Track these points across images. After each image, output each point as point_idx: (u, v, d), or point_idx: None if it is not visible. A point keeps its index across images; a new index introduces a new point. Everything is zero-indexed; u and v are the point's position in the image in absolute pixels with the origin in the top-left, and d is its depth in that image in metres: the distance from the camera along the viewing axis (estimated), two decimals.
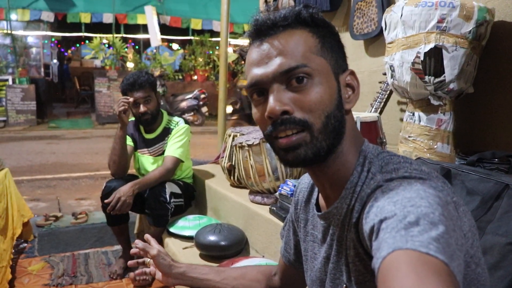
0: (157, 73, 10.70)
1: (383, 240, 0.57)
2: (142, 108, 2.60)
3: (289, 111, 0.74)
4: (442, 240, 0.54)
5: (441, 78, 1.64)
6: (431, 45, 1.61)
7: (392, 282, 0.50)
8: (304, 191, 1.00)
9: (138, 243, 1.21)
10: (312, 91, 0.75)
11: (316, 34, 0.78)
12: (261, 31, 0.78)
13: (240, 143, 2.27)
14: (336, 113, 0.77)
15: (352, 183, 0.78)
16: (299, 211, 1.01)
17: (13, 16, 10.97)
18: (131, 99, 2.56)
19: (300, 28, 0.78)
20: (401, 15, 1.68)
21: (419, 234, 0.54)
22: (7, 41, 11.26)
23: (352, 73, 0.83)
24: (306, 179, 1.03)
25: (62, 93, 15.58)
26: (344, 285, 0.81)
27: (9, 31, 10.84)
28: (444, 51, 1.61)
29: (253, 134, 2.32)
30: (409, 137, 1.82)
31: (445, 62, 1.62)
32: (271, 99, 0.75)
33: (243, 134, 2.51)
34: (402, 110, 2.28)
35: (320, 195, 0.91)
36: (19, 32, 11.62)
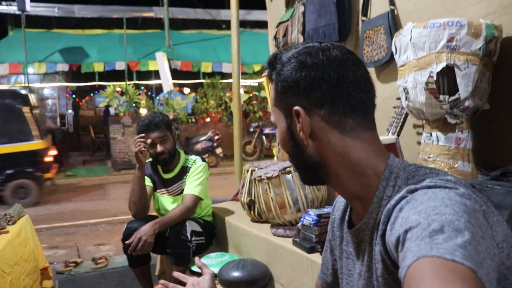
0: (170, 117, 10.84)
1: (408, 249, 0.57)
2: (159, 148, 2.63)
3: None
4: (470, 247, 0.53)
5: (456, 96, 1.65)
6: (443, 64, 1.62)
7: None
8: (340, 209, 1.01)
9: (197, 261, 1.28)
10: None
11: (275, 86, 0.89)
12: None
13: (259, 176, 2.27)
14: (294, 152, 0.90)
15: (378, 198, 0.79)
16: (335, 229, 1.02)
17: (30, 70, 11.34)
18: (148, 141, 2.59)
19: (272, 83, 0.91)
20: (411, 38, 1.71)
21: (444, 242, 0.54)
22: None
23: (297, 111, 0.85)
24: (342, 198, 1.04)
25: (77, 142, 15.84)
26: None
27: (26, 84, 11.18)
28: (456, 69, 1.62)
29: (271, 167, 2.32)
30: (429, 158, 1.80)
31: (458, 80, 1.62)
32: None
33: (261, 168, 2.51)
34: (419, 133, 2.27)
35: (352, 211, 0.92)
36: (36, 85, 11.97)
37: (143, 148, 2.53)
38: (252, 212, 2.59)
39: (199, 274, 2.39)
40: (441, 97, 1.66)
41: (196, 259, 1.32)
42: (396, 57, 1.84)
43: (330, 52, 0.83)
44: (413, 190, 0.70)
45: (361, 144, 0.82)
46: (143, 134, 2.60)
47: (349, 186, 0.84)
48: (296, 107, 0.83)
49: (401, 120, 2.19)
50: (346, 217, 0.95)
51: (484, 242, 0.57)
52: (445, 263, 0.51)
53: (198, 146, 10.77)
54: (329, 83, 0.81)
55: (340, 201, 1.03)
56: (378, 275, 0.77)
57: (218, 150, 10.99)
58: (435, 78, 1.64)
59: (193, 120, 12.61)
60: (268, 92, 2.76)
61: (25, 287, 2.44)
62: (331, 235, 1.05)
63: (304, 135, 0.83)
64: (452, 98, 1.65)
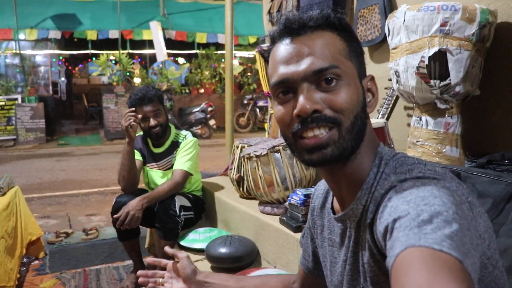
0: (164, 87, 10.78)
1: (396, 238, 0.57)
2: (152, 122, 2.62)
3: (320, 109, 0.75)
4: (456, 237, 0.54)
5: (447, 81, 1.64)
6: (435, 49, 1.61)
7: (405, 278, 0.50)
8: (320, 197, 1.01)
9: (168, 249, 1.26)
10: (342, 92, 0.76)
11: (343, 38, 0.80)
12: (292, 30, 0.79)
13: (248, 154, 2.27)
14: (361, 115, 0.79)
15: (368, 184, 0.79)
16: (315, 217, 1.02)
17: (21, 36, 11.14)
18: (139, 115, 2.57)
19: (328, 30, 0.79)
20: (404, 20, 1.68)
21: (432, 232, 0.54)
22: (16, 60, 11.43)
23: (373, 78, 0.85)
24: (322, 185, 1.04)
25: (70, 110, 15.72)
26: (361, 286, 0.81)
27: (17, 51, 11.00)
28: (448, 54, 1.61)
29: (260, 145, 2.32)
30: (417, 141, 1.81)
31: (450, 65, 1.61)
32: (301, 98, 0.76)
33: (250, 145, 2.51)
34: (409, 116, 2.27)
35: (334, 199, 0.92)
36: (27, 52, 11.78)
37: (133, 123, 2.51)
38: (241, 189, 2.60)
39: (187, 249, 2.43)
40: (432, 82, 1.65)
41: (166, 248, 1.32)
42: (388, 39, 1.82)
43: None
44: (402, 180, 0.71)
45: (371, 127, 0.84)
46: (133, 108, 2.58)
47: (355, 169, 0.81)
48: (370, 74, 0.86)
49: (392, 101, 2.19)
50: (328, 205, 0.95)
51: (469, 233, 0.58)
52: (433, 253, 0.51)
53: (191, 117, 10.74)
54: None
55: (319, 189, 1.03)
56: (364, 262, 0.78)
57: (211, 122, 10.97)
58: (426, 62, 1.62)
59: (187, 91, 12.51)
60: (260, 66, 2.73)
61: (8, 260, 2.45)
62: (311, 223, 1.05)
63: (375, 101, 0.84)
64: (443, 83, 1.64)
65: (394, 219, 0.61)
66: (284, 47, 0.79)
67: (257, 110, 11.85)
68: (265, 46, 2.61)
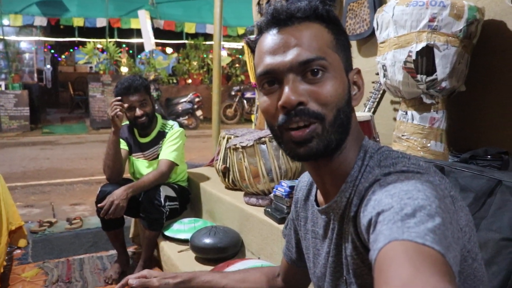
0: (151, 77, 10.69)
1: (380, 232, 0.58)
2: (138, 112, 2.59)
3: (304, 102, 0.75)
4: (439, 231, 0.54)
5: (433, 76, 1.65)
6: (423, 44, 1.62)
7: (388, 272, 0.51)
8: (304, 190, 1.01)
9: (133, 282, 1.12)
10: (328, 85, 0.76)
11: (331, 30, 0.80)
12: (279, 20, 0.78)
13: (234, 145, 2.27)
14: (346, 108, 0.78)
15: (352, 177, 0.79)
16: (299, 209, 1.02)
17: (5, 21, 10.91)
18: (126, 105, 2.55)
19: (316, 22, 0.79)
20: (393, 15, 1.69)
21: (416, 226, 0.55)
22: (0, 46, 11.21)
23: (359, 72, 0.85)
24: (305, 177, 1.04)
25: (55, 98, 15.52)
26: (344, 278, 0.82)
27: (1, 37, 10.78)
28: (435, 50, 1.62)
29: (247, 136, 2.32)
30: (403, 136, 1.82)
31: (436, 60, 1.62)
32: (286, 89, 0.75)
33: (237, 136, 2.51)
34: (396, 110, 2.29)
35: (318, 191, 0.92)
36: (12, 38, 11.56)
37: (119, 112, 2.49)
38: (226, 180, 2.60)
39: (171, 239, 2.42)
40: (419, 76, 1.66)
41: (131, 281, 1.14)
42: (377, 33, 1.83)
43: None
44: (386, 173, 0.71)
45: (356, 120, 0.84)
46: (119, 98, 2.55)
47: (341, 162, 0.81)
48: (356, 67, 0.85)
49: (379, 95, 2.20)
50: (312, 198, 0.95)
51: (451, 227, 0.58)
52: (416, 246, 0.52)
53: (179, 108, 10.68)
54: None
55: (302, 181, 1.03)
56: (347, 254, 0.78)
57: (198, 113, 10.93)
58: (413, 57, 1.63)
59: (175, 81, 12.44)
60: (248, 57, 2.73)
61: None
62: (295, 215, 1.05)
63: (361, 95, 0.84)
64: (429, 78, 1.66)
65: (377, 212, 0.62)
66: (271, 38, 0.79)
67: (245, 101, 11.83)
68: (252, 37, 2.60)
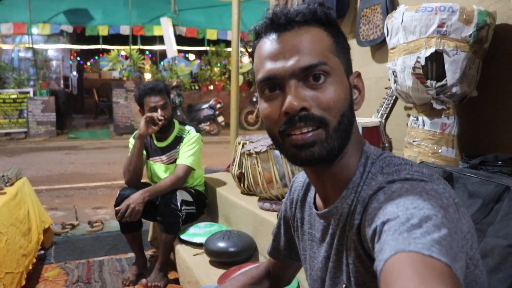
0: (173, 83, 10.83)
1: (385, 242, 0.57)
2: (160, 113, 2.66)
3: (307, 107, 0.74)
4: (445, 242, 0.54)
5: (443, 82, 1.65)
6: (432, 50, 1.62)
7: (395, 284, 0.50)
8: (299, 190, 0.99)
9: None
10: (330, 90, 0.75)
11: (330, 33, 0.79)
12: (279, 25, 0.77)
13: (248, 150, 2.30)
14: (348, 113, 0.78)
15: (354, 183, 0.78)
16: (294, 210, 1.01)
17: (34, 30, 11.27)
18: (160, 123, 2.63)
19: (315, 26, 0.78)
20: (402, 21, 1.70)
21: (422, 237, 0.54)
22: (29, 54, 11.56)
23: (359, 75, 0.84)
24: (300, 177, 1.03)
25: (81, 104, 15.88)
26: (344, 285, 0.81)
27: (30, 45, 11.13)
28: (445, 55, 1.62)
29: (261, 142, 2.35)
30: (414, 141, 1.82)
31: (446, 66, 1.63)
32: (290, 95, 0.75)
33: (252, 142, 2.54)
34: (409, 116, 2.28)
35: (316, 194, 0.91)
36: (40, 46, 11.91)
37: (152, 124, 2.56)
38: (242, 185, 2.63)
39: (187, 243, 2.46)
40: (428, 82, 1.67)
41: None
42: (387, 39, 1.84)
43: None
44: (390, 181, 0.70)
45: (356, 125, 0.83)
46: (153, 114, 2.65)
47: (341, 168, 0.81)
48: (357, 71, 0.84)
49: (391, 101, 2.20)
50: (310, 200, 0.94)
51: (456, 236, 0.58)
52: (422, 258, 0.51)
53: (200, 114, 10.78)
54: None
55: (298, 182, 1.02)
56: (349, 262, 0.77)
57: (220, 119, 10.98)
58: (422, 63, 1.64)
59: (196, 87, 12.56)
60: None
61: (21, 247, 2.51)
62: (290, 215, 1.04)
63: (361, 99, 0.84)
64: (439, 84, 1.66)
65: (382, 221, 0.61)
66: (270, 43, 0.78)
67: None
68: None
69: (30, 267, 2.65)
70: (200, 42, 12.85)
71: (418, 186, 0.66)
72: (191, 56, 14.65)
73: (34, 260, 2.77)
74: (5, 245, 2.28)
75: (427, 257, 0.51)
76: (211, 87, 12.57)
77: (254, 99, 11.86)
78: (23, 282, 2.38)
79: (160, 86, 2.70)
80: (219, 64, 12.57)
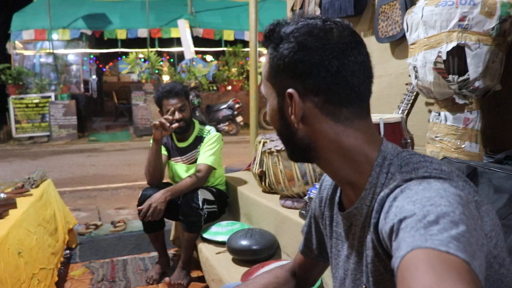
0: (192, 84, 10.90)
1: (402, 239, 0.57)
2: (177, 115, 2.69)
3: None
4: (463, 239, 0.54)
5: (465, 76, 1.64)
6: (453, 44, 1.61)
7: (411, 280, 0.50)
8: (328, 189, 1.00)
9: None
10: None
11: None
12: None
13: (269, 149, 2.31)
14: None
15: (371, 184, 0.79)
16: (324, 208, 1.01)
17: (55, 36, 11.48)
18: (173, 125, 2.62)
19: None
20: (422, 16, 1.69)
21: (439, 233, 0.54)
22: (50, 60, 11.78)
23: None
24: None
25: (101, 107, 16.10)
26: (364, 286, 0.81)
27: (51, 51, 11.34)
28: (467, 49, 1.60)
29: None
30: (436, 137, 1.81)
31: (468, 60, 1.61)
32: None
33: (272, 140, 2.55)
34: (431, 111, 2.26)
35: (343, 193, 0.92)
36: (60, 51, 12.12)
37: (162, 128, 2.57)
38: (263, 183, 2.64)
39: (210, 241, 2.49)
40: (450, 77, 1.65)
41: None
42: (407, 34, 1.83)
43: (332, 34, 0.78)
44: (407, 179, 0.70)
45: (354, 132, 0.80)
46: (172, 115, 2.66)
47: (339, 170, 0.83)
48: (290, 90, 0.80)
49: (412, 97, 2.19)
50: (337, 199, 0.95)
51: (475, 233, 0.57)
52: (439, 254, 0.51)
53: (219, 114, 10.82)
54: (328, 70, 0.77)
55: (326, 180, 1.03)
56: (368, 261, 0.78)
57: (239, 119, 11.00)
58: (444, 57, 1.63)
59: (215, 88, 12.62)
60: None
61: (49, 245, 2.58)
62: (319, 213, 1.04)
63: (296, 119, 0.81)
64: (461, 78, 1.64)
65: (399, 219, 0.61)
66: None
67: None
68: None
69: (59, 266, 2.71)
70: (217, 43, 12.90)
71: (436, 183, 0.66)
72: (209, 57, 14.71)
73: (62, 259, 2.84)
74: (36, 243, 2.35)
75: (443, 253, 0.51)
76: (229, 88, 12.61)
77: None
78: (56, 278, 2.45)
79: (178, 88, 2.73)
80: (236, 65, 12.59)
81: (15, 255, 1.99)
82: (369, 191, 0.79)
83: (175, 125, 2.62)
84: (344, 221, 0.88)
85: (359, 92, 0.80)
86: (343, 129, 0.80)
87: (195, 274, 2.75)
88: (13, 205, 2.42)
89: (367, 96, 0.83)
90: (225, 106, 10.87)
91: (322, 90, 0.78)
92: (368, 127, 0.83)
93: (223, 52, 12.89)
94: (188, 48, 10.90)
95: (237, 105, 10.82)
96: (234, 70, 12.57)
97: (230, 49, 12.61)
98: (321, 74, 0.77)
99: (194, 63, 12.70)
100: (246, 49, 12.57)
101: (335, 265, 0.95)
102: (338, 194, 0.95)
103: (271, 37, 0.84)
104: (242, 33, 12.36)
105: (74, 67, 13.04)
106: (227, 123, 10.84)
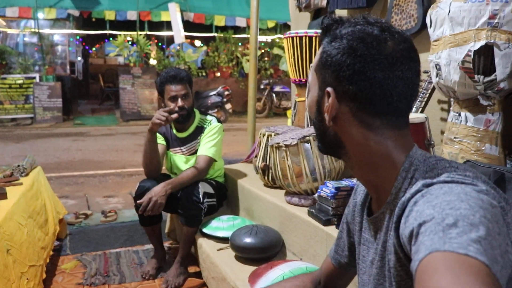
0: None
1: (421, 243, 0.57)
2: (180, 103, 2.58)
3: None
4: (484, 242, 0.53)
5: (492, 77, 1.57)
6: (482, 43, 1.54)
7: (428, 282, 0.50)
8: (362, 194, 0.99)
9: None
10: None
11: None
12: None
13: (277, 143, 2.23)
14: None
15: (396, 189, 0.79)
16: (356, 213, 1.00)
17: (40, 15, 11.15)
18: (174, 115, 2.52)
19: None
20: (449, 12, 1.61)
21: (458, 236, 0.53)
22: (34, 39, 11.45)
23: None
24: None
25: (86, 90, 15.80)
26: None
27: (36, 30, 11.01)
28: (495, 49, 1.54)
29: (289, 134, 2.27)
30: (455, 138, 1.75)
31: (496, 60, 1.55)
32: None
33: (278, 134, 2.47)
34: (443, 109, 2.21)
35: (372, 199, 0.92)
36: (46, 31, 11.78)
37: (163, 124, 2.46)
38: (265, 177, 2.57)
39: (210, 237, 2.41)
40: (476, 77, 1.59)
41: None
42: (430, 30, 1.75)
43: (385, 46, 0.77)
44: (429, 184, 0.69)
45: (384, 140, 0.80)
46: (169, 108, 2.54)
47: (365, 173, 0.85)
48: (329, 89, 0.81)
49: (427, 94, 2.12)
50: (367, 204, 0.95)
51: (499, 238, 0.56)
52: (457, 257, 0.50)
53: (208, 101, 10.67)
54: (369, 80, 0.77)
55: (361, 185, 1.02)
56: (391, 266, 0.77)
57: (228, 106, 10.88)
58: (472, 56, 1.56)
59: (204, 74, 12.45)
60: (289, 53, 2.67)
61: (39, 239, 2.46)
62: (351, 218, 1.04)
63: (329, 117, 0.83)
64: (487, 79, 1.58)
65: (419, 223, 0.60)
66: None
67: (273, 95, 11.77)
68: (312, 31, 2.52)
69: (48, 260, 2.60)
70: (208, 28, 12.71)
71: (457, 188, 0.64)
72: (198, 43, 14.50)
73: (51, 253, 2.72)
74: (27, 238, 2.24)
75: (462, 256, 0.51)
76: (218, 74, 12.46)
77: (262, 87, 11.75)
78: (44, 275, 2.33)
79: (183, 74, 2.62)
80: (226, 51, 12.41)
81: (4, 253, 1.87)
82: (394, 195, 0.79)
83: (175, 115, 2.52)
84: (371, 226, 0.89)
85: (397, 108, 0.79)
86: (372, 136, 0.81)
87: (191, 269, 2.67)
88: (3, 196, 2.30)
89: (406, 112, 0.82)
90: (214, 92, 10.72)
91: (359, 98, 0.79)
92: (401, 136, 0.82)
93: (213, 37, 12.71)
94: (178, 33, 10.71)
95: (226, 92, 10.69)
96: (224, 56, 12.41)
97: (221, 34, 12.43)
98: (361, 82, 0.77)
99: (183, 48, 12.48)
100: (237, 36, 12.43)
101: (361, 270, 0.95)
102: (369, 199, 0.95)
103: (328, 31, 0.85)
104: (234, 19, 12.21)
105: (59, 48, 12.72)
106: (215, 110, 10.71)
